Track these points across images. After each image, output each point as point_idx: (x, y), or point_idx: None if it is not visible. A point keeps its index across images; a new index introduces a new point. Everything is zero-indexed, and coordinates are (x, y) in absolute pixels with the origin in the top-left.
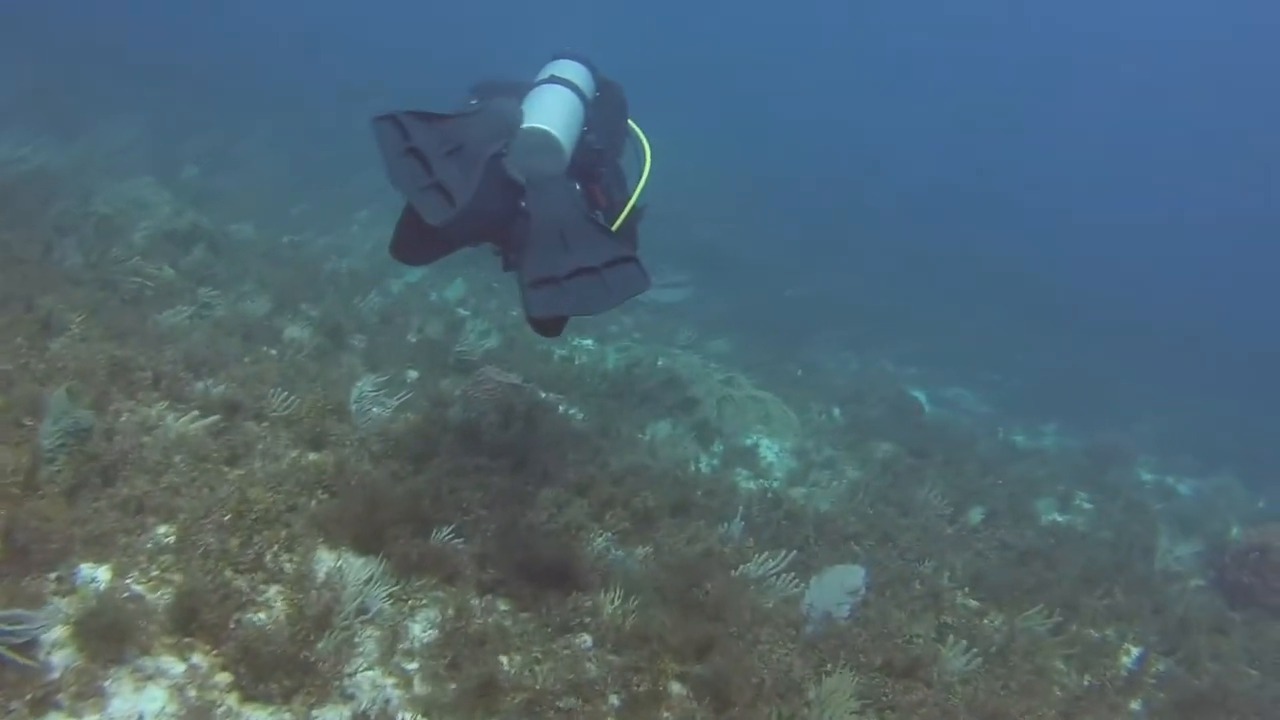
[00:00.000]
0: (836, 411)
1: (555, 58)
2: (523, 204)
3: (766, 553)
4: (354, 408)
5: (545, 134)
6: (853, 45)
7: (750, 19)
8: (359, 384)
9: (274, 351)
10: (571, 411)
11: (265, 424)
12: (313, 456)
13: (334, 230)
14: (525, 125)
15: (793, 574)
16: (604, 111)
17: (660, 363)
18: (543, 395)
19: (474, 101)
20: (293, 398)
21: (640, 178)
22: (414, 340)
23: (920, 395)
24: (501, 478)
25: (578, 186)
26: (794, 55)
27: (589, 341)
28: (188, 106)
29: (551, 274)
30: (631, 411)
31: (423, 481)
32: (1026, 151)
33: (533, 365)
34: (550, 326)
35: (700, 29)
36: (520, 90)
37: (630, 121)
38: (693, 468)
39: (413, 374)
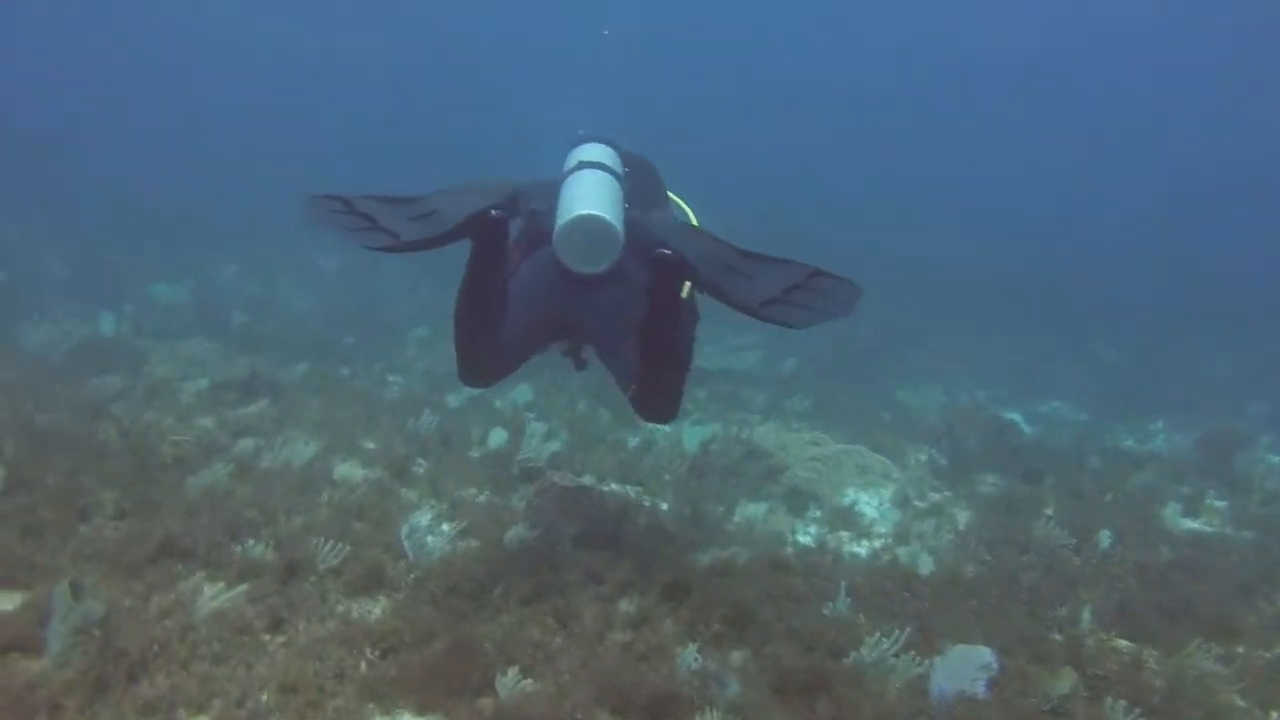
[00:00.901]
0: (933, 451)
1: (575, 144)
2: (594, 296)
3: (879, 632)
4: (407, 543)
5: (596, 219)
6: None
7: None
8: (414, 515)
9: (324, 496)
10: (652, 504)
11: (312, 578)
12: (364, 609)
13: (388, 355)
14: (576, 215)
15: (913, 652)
16: (638, 185)
17: (738, 432)
18: (617, 489)
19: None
20: (341, 544)
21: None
22: (477, 456)
23: (1016, 416)
24: (576, 595)
25: (637, 263)
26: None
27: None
28: (223, 255)
29: (769, 296)
30: (716, 492)
31: (488, 618)
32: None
33: (604, 460)
34: (663, 411)
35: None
36: (552, 189)
37: (669, 193)
38: (790, 542)
39: (475, 494)
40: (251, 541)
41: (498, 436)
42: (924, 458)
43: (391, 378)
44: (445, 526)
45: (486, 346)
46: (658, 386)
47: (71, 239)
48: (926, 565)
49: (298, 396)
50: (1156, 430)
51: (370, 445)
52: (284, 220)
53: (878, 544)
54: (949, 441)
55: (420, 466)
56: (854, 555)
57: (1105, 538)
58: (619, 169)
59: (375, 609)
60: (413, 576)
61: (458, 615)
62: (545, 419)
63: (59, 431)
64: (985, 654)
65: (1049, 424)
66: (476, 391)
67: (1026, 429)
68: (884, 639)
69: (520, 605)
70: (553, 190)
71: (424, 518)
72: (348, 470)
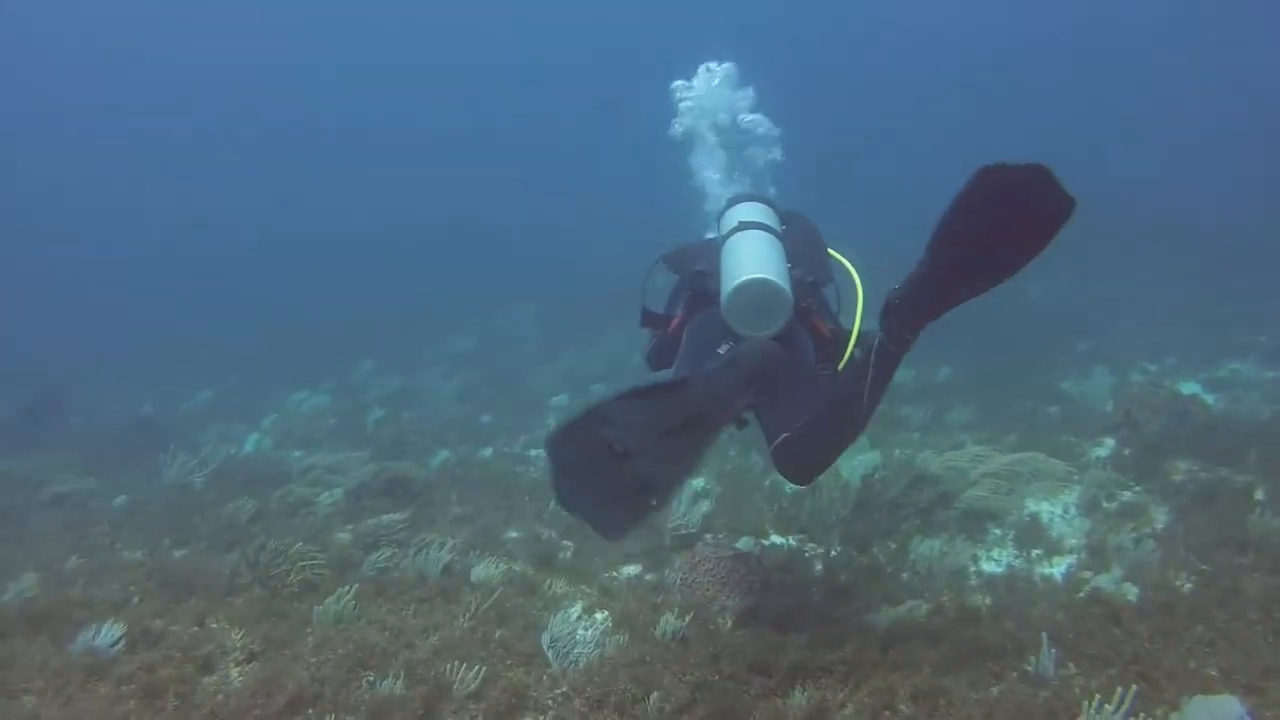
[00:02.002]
0: (1113, 443)
1: (731, 203)
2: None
3: (1096, 692)
4: (550, 651)
5: (765, 282)
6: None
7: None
8: (558, 616)
9: (462, 604)
10: (818, 553)
11: (450, 712)
12: None
13: (530, 428)
14: (744, 279)
15: (1141, 715)
16: (798, 244)
17: (899, 456)
18: (779, 543)
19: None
20: (480, 664)
21: (856, 305)
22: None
23: (1195, 387)
24: (741, 694)
25: (798, 324)
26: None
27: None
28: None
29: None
30: (886, 528)
31: None
32: None
33: (762, 513)
34: (808, 465)
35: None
36: (712, 250)
37: (830, 250)
38: (974, 575)
39: (629, 573)
40: (380, 675)
41: None
42: (1105, 453)
43: (534, 452)
44: (599, 616)
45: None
46: (820, 438)
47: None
48: (1132, 589)
49: (435, 492)
50: None
51: (513, 534)
52: (412, 302)
53: (1072, 560)
54: (1129, 430)
55: (566, 551)
56: (1048, 578)
57: None
58: (778, 227)
59: None
60: (559, 693)
61: None
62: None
63: (194, 570)
64: (1232, 705)
65: (1234, 389)
66: None
67: (1210, 400)
68: (1104, 702)
69: (677, 714)
70: (714, 250)
71: (573, 610)
72: (485, 570)
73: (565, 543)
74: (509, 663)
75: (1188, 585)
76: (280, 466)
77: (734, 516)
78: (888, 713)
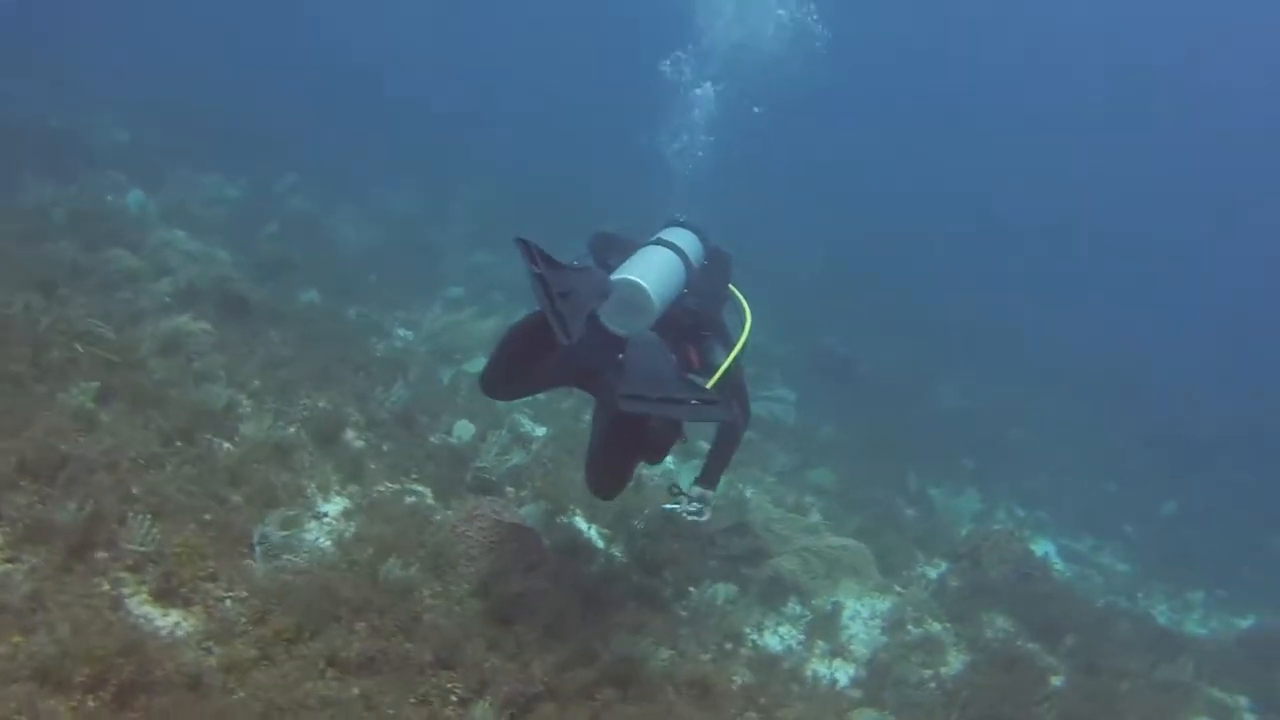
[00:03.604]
0: (947, 570)
1: (669, 224)
2: (620, 356)
3: None
4: (259, 546)
5: (637, 286)
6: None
7: None
8: (303, 508)
9: (195, 449)
10: (609, 554)
11: (107, 558)
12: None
13: (411, 306)
14: (621, 278)
15: None
16: (703, 278)
17: (739, 492)
18: (576, 525)
19: (586, 258)
20: (176, 528)
21: (737, 345)
22: (435, 441)
23: (1050, 547)
24: (418, 679)
25: (672, 348)
26: None
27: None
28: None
29: (644, 394)
30: (688, 559)
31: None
32: None
33: (576, 485)
34: (605, 487)
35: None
36: (630, 248)
37: (731, 286)
38: (748, 643)
39: (415, 489)
40: (68, 489)
41: (463, 430)
42: (934, 575)
43: (402, 332)
44: (343, 525)
45: (517, 378)
46: (606, 465)
47: (153, 107)
48: None
49: (268, 325)
50: (1195, 602)
51: (322, 404)
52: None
53: (850, 672)
54: (969, 565)
55: (360, 440)
56: (818, 678)
57: None
58: (697, 259)
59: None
60: (229, 597)
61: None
62: (542, 420)
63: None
64: None
65: (1084, 566)
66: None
67: (1059, 564)
68: None
69: (335, 671)
70: (632, 250)
71: (328, 507)
72: (258, 426)
73: (367, 435)
74: (210, 535)
75: None
76: (142, 233)
77: (549, 479)
78: None
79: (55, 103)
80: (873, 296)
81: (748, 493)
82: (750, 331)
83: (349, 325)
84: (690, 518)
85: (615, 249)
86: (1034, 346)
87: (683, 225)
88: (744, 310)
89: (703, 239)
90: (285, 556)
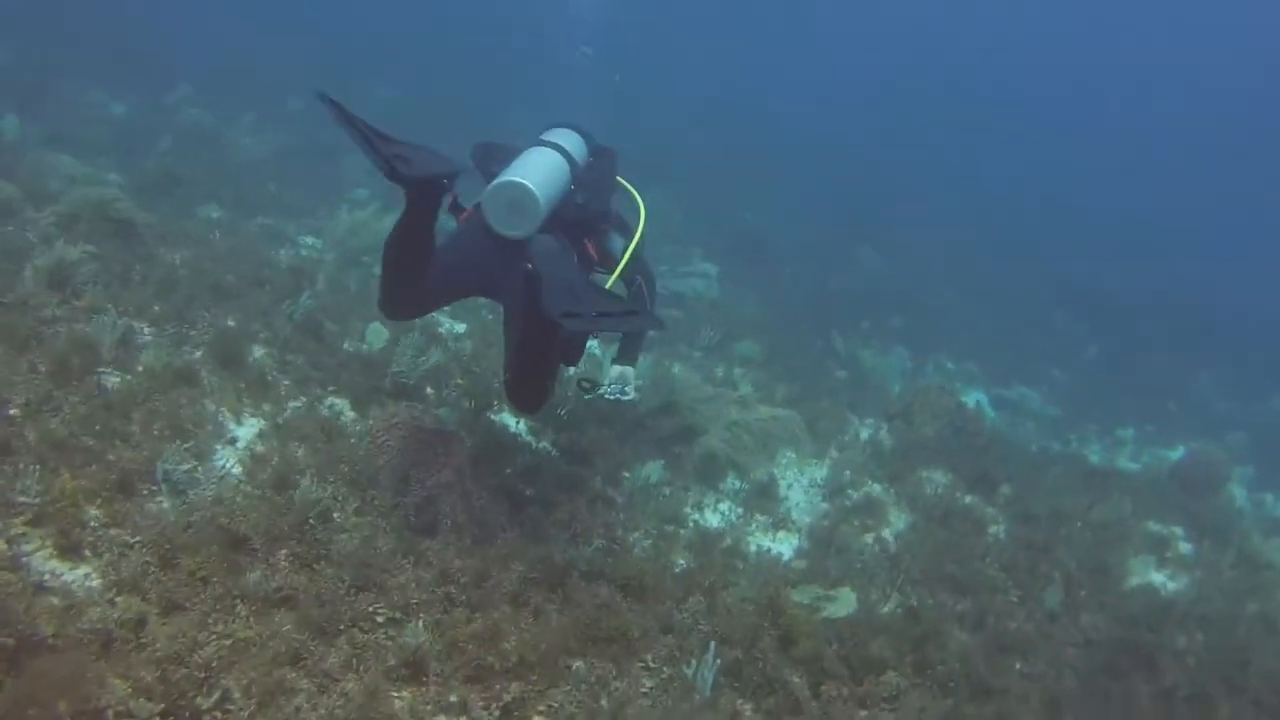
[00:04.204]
0: (882, 428)
1: (549, 127)
2: (528, 266)
3: None
4: (164, 484)
5: (519, 185)
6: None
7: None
8: (209, 436)
9: (104, 384)
10: (537, 448)
11: None
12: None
13: (315, 213)
14: (503, 179)
15: None
16: (591, 173)
17: (665, 369)
18: (501, 422)
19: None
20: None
21: (634, 238)
22: (348, 349)
23: (981, 397)
24: (344, 604)
25: (568, 242)
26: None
27: (593, 344)
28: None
29: (577, 310)
30: (618, 444)
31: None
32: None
33: (497, 379)
34: (529, 404)
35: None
36: (512, 154)
37: (621, 179)
38: (689, 523)
39: (333, 403)
40: None
41: (376, 335)
42: (868, 435)
43: (309, 240)
44: (253, 449)
45: (408, 290)
46: (524, 381)
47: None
48: (846, 604)
49: (160, 247)
50: (1126, 439)
51: (231, 324)
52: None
53: (794, 542)
54: (903, 423)
55: (267, 360)
56: (762, 552)
57: (1055, 596)
58: (581, 156)
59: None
60: (137, 541)
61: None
62: (460, 318)
63: None
64: None
65: (1016, 413)
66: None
67: (990, 413)
68: None
69: (251, 607)
70: (514, 156)
71: (240, 431)
72: (157, 356)
73: (274, 351)
74: (113, 476)
75: (886, 637)
76: (20, 158)
77: (471, 376)
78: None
79: None
80: (786, 173)
81: (675, 369)
82: (646, 218)
83: (252, 239)
84: (613, 398)
85: (497, 157)
86: (947, 214)
87: (562, 126)
88: (636, 199)
89: (585, 136)
90: (193, 491)
